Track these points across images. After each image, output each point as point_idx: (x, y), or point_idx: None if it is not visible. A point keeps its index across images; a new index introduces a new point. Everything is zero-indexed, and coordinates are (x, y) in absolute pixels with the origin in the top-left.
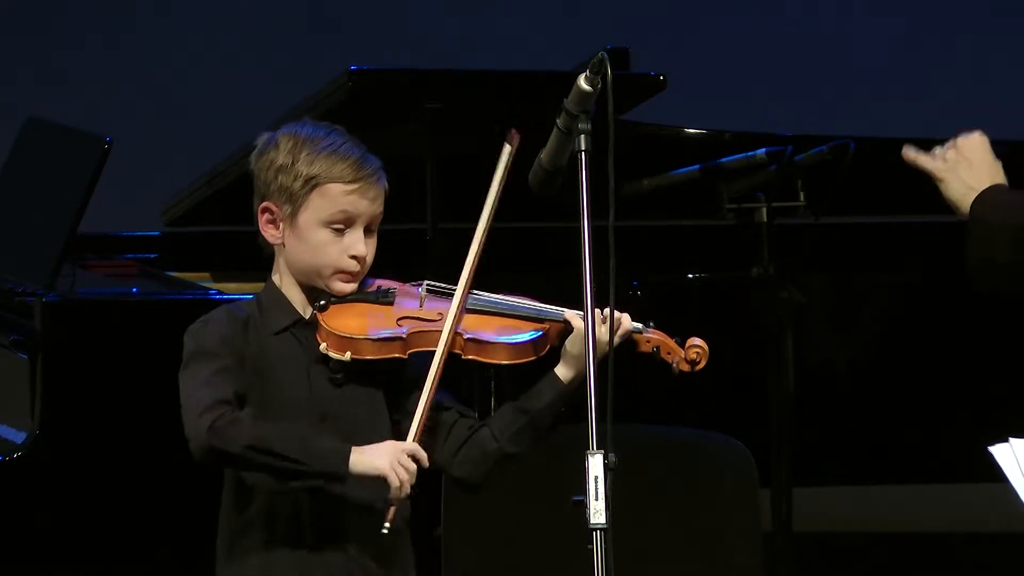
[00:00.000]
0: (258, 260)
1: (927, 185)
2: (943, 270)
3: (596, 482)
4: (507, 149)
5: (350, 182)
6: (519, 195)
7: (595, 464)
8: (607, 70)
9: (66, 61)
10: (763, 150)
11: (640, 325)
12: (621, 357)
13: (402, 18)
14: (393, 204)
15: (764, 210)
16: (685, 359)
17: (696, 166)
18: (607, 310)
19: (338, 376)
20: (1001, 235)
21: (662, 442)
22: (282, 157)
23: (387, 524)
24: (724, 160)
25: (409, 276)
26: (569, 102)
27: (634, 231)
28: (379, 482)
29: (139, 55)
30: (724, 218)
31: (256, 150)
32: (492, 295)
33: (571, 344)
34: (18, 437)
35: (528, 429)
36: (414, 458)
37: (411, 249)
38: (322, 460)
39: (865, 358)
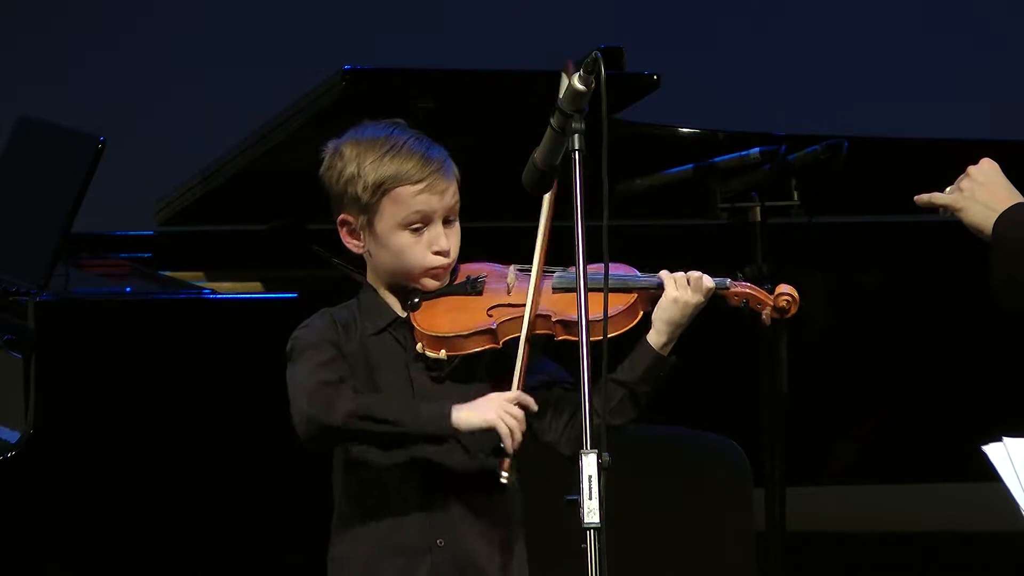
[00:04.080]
0: (251, 259)
1: (921, 185)
2: (938, 269)
3: (590, 481)
4: (563, 82)
5: (418, 181)
6: (516, 195)
7: (589, 463)
8: (600, 69)
9: (61, 60)
10: (757, 149)
11: (727, 280)
12: (616, 356)
13: (396, 17)
14: None
15: (758, 209)
16: (775, 307)
17: (690, 165)
18: (691, 273)
19: (436, 374)
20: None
21: (656, 441)
22: (348, 168)
23: (504, 474)
24: (718, 159)
25: None
26: (563, 101)
27: (628, 230)
28: (487, 439)
29: (133, 54)
30: (718, 217)
31: (323, 163)
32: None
33: (660, 309)
34: (12, 437)
35: (628, 400)
36: (521, 405)
37: None
38: (425, 421)
39: (858, 357)
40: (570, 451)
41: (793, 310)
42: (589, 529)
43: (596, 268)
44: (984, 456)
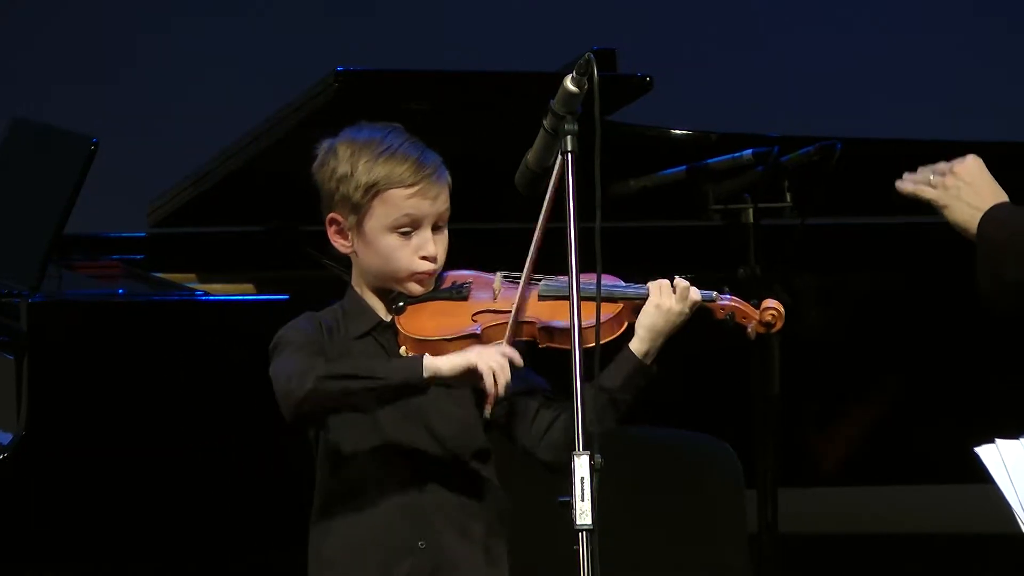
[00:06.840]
0: (244, 261)
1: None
2: (930, 271)
3: (582, 483)
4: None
5: (410, 185)
6: (510, 197)
7: (581, 465)
8: (593, 71)
9: (57, 61)
10: (749, 151)
11: (713, 293)
12: (609, 357)
13: (390, 19)
14: None
15: (750, 211)
16: (760, 322)
17: (682, 167)
18: (677, 281)
19: None
20: (1009, 253)
21: (648, 443)
22: (341, 167)
23: (488, 409)
24: (710, 161)
25: None
26: (556, 103)
27: (621, 232)
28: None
29: (127, 56)
30: (710, 219)
31: (316, 160)
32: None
33: (643, 315)
34: (4, 438)
35: (609, 407)
36: (506, 357)
37: None
38: (396, 369)
39: (851, 359)
40: (549, 457)
41: (779, 325)
42: (582, 531)
43: (586, 277)
44: (977, 458)
